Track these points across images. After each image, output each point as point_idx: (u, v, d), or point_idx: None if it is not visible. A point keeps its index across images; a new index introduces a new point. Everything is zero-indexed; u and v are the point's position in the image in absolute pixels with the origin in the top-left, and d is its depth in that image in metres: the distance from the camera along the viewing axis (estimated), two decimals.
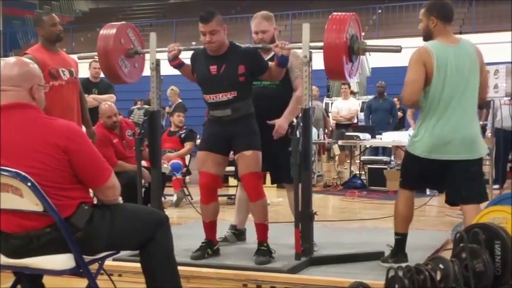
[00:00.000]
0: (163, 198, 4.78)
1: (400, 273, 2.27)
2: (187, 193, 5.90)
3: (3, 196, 2.02)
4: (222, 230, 3.64)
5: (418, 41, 3.16)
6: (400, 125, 9.19)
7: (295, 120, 3.35)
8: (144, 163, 3.81)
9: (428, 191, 5.34)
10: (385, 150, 8.34)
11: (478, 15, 14.72)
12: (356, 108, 9.33)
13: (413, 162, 3.07)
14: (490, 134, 6.38)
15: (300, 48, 3.18)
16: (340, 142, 7.90)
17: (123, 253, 2.66)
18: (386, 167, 7.13)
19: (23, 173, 1.98)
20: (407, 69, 2.99)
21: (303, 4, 16.76)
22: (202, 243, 3.33)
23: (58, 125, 2.08)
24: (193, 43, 11.82)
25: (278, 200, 5.20)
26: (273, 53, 3.33)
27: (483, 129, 7.62)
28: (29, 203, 2.00)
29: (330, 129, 9.40)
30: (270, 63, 3.24)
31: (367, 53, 3.24)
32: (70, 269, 2.07)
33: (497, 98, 5.15)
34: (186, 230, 4.09)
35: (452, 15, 3.05)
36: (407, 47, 3.18)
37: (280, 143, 3.28)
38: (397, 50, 3.17)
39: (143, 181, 3.85)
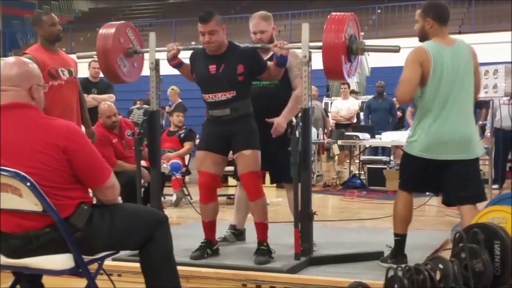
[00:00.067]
0: (162, 198, 4.78)
1: (400, 273, 2.27)
2: (186, 193, 5.90)
3: (2, 196, 2.02)
4: (222, 230, 3.64)
5: (417, 41, 3.17)
6: (400, 124, 9.19)
7: (294, 119, 3.35)
8: (143, 163, 3.81)
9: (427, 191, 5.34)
10: (385, 150, 8.34)
11: (478, 15, 14.73)
12: (355, 108, 9.33)
13: (411, 162, 3.07)
14: (489, 134, 6.38)
15: (299, 48, 3.18)
16: (339, 142, 7.90)
17: (123, 253, 2.66)
18: (385, 166, 7.13)
19: (23, 173, 1.98)
20: (404, 67, 3.01)
21: (303, 4, 16.77)
22: (202, 243, 3.33)
23: (57, 125, 2.08)
24: (193, 43, 11.81)
25: (277, 200, 5.19)
26: (271, 53, 3.34)
27: (482, 129, 7.64)
28: (28, 203, 2.00)
29: (330, 129, 9.40)
30: (268, 63, 3.24)
31: (366, 53, 3.25)
32: (69, 269, 2.07)
33: (497, 97, 5.15)
34: (185, 230, 4.09)
35: (448, 16, 3.06)
36: (407, 47, 3.18)
37: (280, 142, 3.28)
38: (396, 50, 3.18)
39: (142, 181, 3.85)
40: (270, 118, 3.31)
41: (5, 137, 2.03)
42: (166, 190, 5.70)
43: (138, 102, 10.38)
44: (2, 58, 2.23)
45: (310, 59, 3.16)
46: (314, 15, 15.02)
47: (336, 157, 9.74)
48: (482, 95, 4.98)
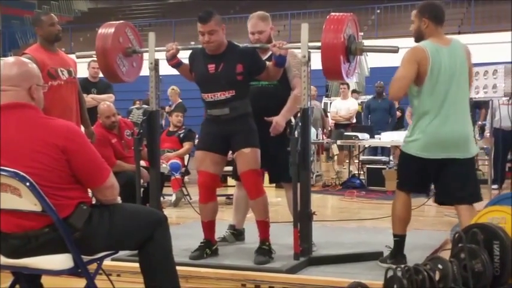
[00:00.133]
0: (162, 198, 4.77)
1: (399, 274, 2.27)
2: (186, 193, 5.89)
3: (2, 196, 2.02)
4: (221, 230, 3.64)
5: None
6: (399, 124, 9.19)
7: (293, 119, 3.35)
8: (142, 163, 3.81)
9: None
10: (384, 150, 8.34)
11: (477, 15, 14.74)
12: (355, 108, 9.33)
13: (409, 162, 3.08)
14: (488, 134, 6.39)
15: (298, 48, 3.18)
16: (339, 142, 7.90)
17: (122, 253, 2.66)
18: (385, 167, 7.13)
19: (22, 173, 1.98)
20: (400, 65, 3.02)
21: (302, 4, 16.77)
22: (201, 243, 3.33)
23: (57, 125, 2.07)
24: (192, 43, 11.80)
25: (277, 200, 5.19)
26: (270, 53, 3.34)
27: (482, 129, 7.64)
28: (27, 203, 2.00)
29: (329, 129, 9.40)
30: (267, 63, 3.24)
31: (365, 53, 3.26)
32: (68, 269, 2.07)
33: (496, 98, 5.15)
34: (184, 230, 4.09)
35: (443, 16, 3.08)
36: (406, 47, 3.19)
37: (278, 142, 3.28)
38: (394, 50, 3.18)
39: (142, 181, 3.85)
40: (269, 117, 3.31)
41: (5, 137, 2.03)
42: (165, 190, 5.70)
43: (138, 102, 10.37)
44: (1, 58, 2.23)
45: (309, 59, 3.16)
46: (313, 15, 15.03)
47: (335, 157, 9.74)
48: (481, 95, 4.99)
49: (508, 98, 5.13)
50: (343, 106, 9.20)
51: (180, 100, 8.50)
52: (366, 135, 7.30)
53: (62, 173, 2.04)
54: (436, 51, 2.97)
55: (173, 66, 3.35)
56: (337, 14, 3.17)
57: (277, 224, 4.12)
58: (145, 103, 8.99)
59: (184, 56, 3.34)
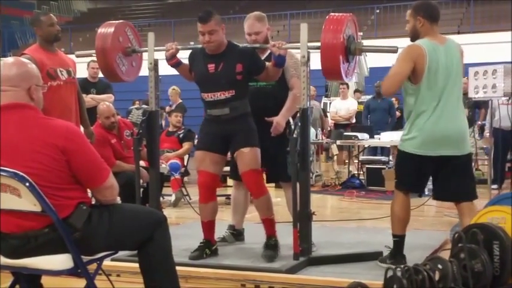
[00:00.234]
0: (161, 198, 4.77)
1: (399, 273, 2.27)
2: (185, 193, 5.89)
3: (1, 196, 2.02)
4: (221, 230, 3.64)
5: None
6: (399, 124, 9.19)
7: (291, 120, 3.35)
8: (142, 163, 3.80)
9: (426, 191, 5.34)
10: (384, 150, 8.34)
11: (476, 15, 14.74)
12: (354, 108, 9.33)
13: (407, 160, 3.08)
14: (488, 134, 6.38)
15: (297, 48, 3.18)
16: (338, 142, 7.90)
17: (122, 253, 2.66)
18: (384, 167, 7.12)
19: (21, 173, 1.98)
20: (395, 61, 3.03)
21: (301, 4, 16.78)
22: (201, 243, 3.33)
23: (56, 126, 2.07)
24: (192, 43, 11.80)
25: (276, 200, 5.17)
26: (268, 52, 3.35)
27: (482, 129, 7.64)
28: (27, 203, 2.00)
29: (328, 129, 9.40)
30: (266, 63, 3.24)
31: (365, 53, 3.26)
32: (68, 269, 2.06)
33: (496, 98, 5.15)
34: (184, 230, 4.09)
35: (438, 15, 3.09)
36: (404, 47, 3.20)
37: (277, 142, 3.29)
38: (394, 50, 3.19)
39: (141, 181, 3.85)
40: (267, 118, 3.31)
41: (4, 137, 2.03)
42: (165, 190, 5.70)
43: (137, 102, 10.38)
44: (1, 58, 2.23)
45: (308, 59, 3.16)
46: (313, 16, 15.03)
47: (335, 157, 9.75)
48: (481, 95, 4.99)
49: (508, 97, 5.13)
50: (343, 106, 9.20)
51: (181, 100, 8.50)
52: (366, 135, 7.30)
53: (61, 173, 2.04)
54: (433, 49, 2.99)
55: (172, 65, 3.35)
56: (337, 14, 3.18)
57: (276, 224, 4.12)
58: (146, 103, 8.99)
59: (183, 56, 3.34)
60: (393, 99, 9.22)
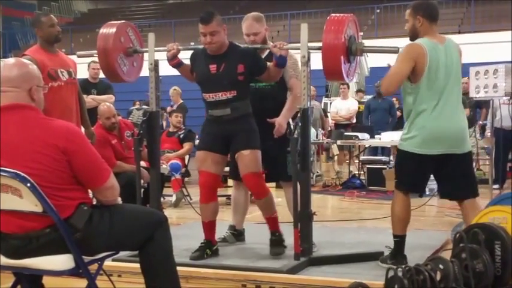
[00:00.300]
0: (162, 199, 4.77)
1: (400, 274, 2.27)
2: (186, 193, 5.89)
3: (2, 197, 2.02)
4: (221, 231, 3.64)
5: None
6: (399, 124, 9.16)
7: (290, 120, 3.36)
8: (143, 163, 3.80)
9: (427, 191, 5.34)
10: (384, 150, 8.33)
11: (477, 14, 14.73)
12: (355, 108, 9.33)
13: (407, 160, 3.08)
14: (489, 134, 6.37)
15: (298, 48, 3.18)
16: (339, 142, 7.89)
17: (123, 253, 2.66)
18: (385, 167, 7.12)
19: (23, 174, 1.98)
20: (396, 60, 3.04)
21: (301, 4, 16.77)
22: (202, 243, 3.33)
23: (57, 126, 2.08)
24: (192, 43, 11.80)
25: (277, 200, 5.17)
26: (267, 52, 3.37)
27: (483, 129, 7.63)
28: (28, 203, 2.00)
29: (329, 129, 9.39)
30: (268, 63, 3.25)
31: (366, 54, 3.26)
32: (69, 270, 2.07)
33: (497, 97, 5.14)
34: (185, 231, 4.09)
35: (437, 14, 3.09)
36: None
37: (277, 142, 3.30)
38: (395, 51, 3.19)
39: (142, 181, 3.85)
40: (265, 119, 3.32)
41: (5, 137, 2.03)
42: (165, 191, 5.70)
43: (138, 102, 10.38)
44: (2, 59, 2.23)
45: (309, 59, 3.16)
46: (313, 16, 15.02)
47: (336, 157, 9.74)
48: (482, 95, 4.99)
49: (509, 97, 5.12)
50: (343, 106, 9.19)
51: (182, 101, 8.50)
52: (366, 135, 7.29)
53: (62, 174, 2.04)
54: (434, 48, 2.99)
55: (174, 66, 3.35)
56: (338, 14, 3.18)
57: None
58: (146, 104, 8.99)
59: (184, 56, 3.34)
60: (394, 99, 9.21)
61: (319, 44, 3.09)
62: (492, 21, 14.20)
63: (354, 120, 9.25)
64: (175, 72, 3.41)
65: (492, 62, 5.28)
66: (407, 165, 3.09)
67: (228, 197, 5.64)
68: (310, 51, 3.17)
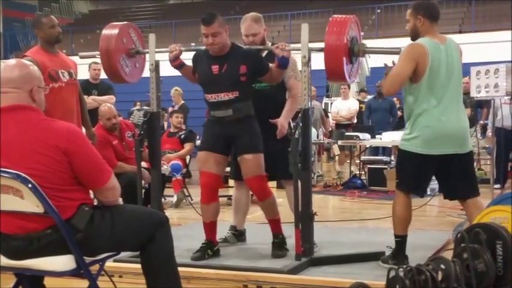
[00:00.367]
0: (163, 199, 4.77)
1: (401, 274, 2.27)
2: (187, 194, 5.89)
3: (4, 198, 2.02)
4: (222, 231, 3.64)
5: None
6: (400, 124, 9.16)
7: (291, 120, 3.36)
8: (144, 164, 3.81)
9: (428, 191, 5.34)
10: (385, 150, 8.33)
11: (478, 14, 14.73)
12: (356, 108, 9.32)
13: (409, 160, 3.07)
14: (490, 134, 6.37)
15: (299, 49, 3.18)
16: (340, 142, 7.89)
17: (124, 254, 2.66)
18: (386, 167, 7.11)
19: (24, 175, 1.98)
20: (398, 60, 3.04)
21: (302, 4, 16.77)
22: (203, 244, 3.33)
23: (58, 127, 2.08)
24: (193, 44, 11.80)
25: (278, 201, 5.19)
26: (265, 52, 3.37)
27: (484, 128, 7.62)
28: (29, 204, 2.01)
29: (330, 129, 9.39)
30: (270, 64, 3.25)
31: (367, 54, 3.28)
32: (71, 270, 2.07)
33: (498, 97, 5.14)
34: (186, 231, 4.09)
35: (438, 14, 3.10)
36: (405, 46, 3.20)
37: (278, 142, 3.30)
38: (397, 52, 3.19)
39: (143, 182, 3.85)
40: (265, 120, 3.32)
41: (6, 138, 2.03)
42: (166, 191, 5.70)
43: (138, 103, 10.38)
44: (2, 60, 2.23)
45: (309, 60, 3.16)
46: (314, 16, 15.02)
47: (337, 157, 9.73)
48: (483, 95, 4.98)
49: (510, 97, 5.12)
50: (344, 106, 9.19)
51: (183, 101, 8.51)
52: (367, 135, 7.29)
53: (63, 175, 2.04)
54: (435, 48, 2.99)
55: (176, 67, 3.36)
56: (340, 16, 3.19)
57: None
58: (147, 105, 9.00)
59: (185, 57, 3.34)
60: (394, 99, 9.20)
61: (320, 44, 3.10)
62: (493, 20, 14.19)
63: (355, 120, 9.24)
64: (176, 72, 3.41)
65: (493, 61, 5.27)
66: (409, 166, 3.08)
67: (229, 197, 5.64)
68: (313, 52, 3.17)
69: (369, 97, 10.14)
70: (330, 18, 3.18)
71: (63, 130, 2.07)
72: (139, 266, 2.26)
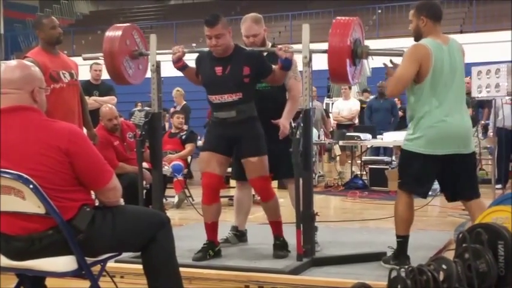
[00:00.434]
0: (164, 200, 4.77)
1: (403, 274, 2.27)
2: (188, 194, 5.90)
3: (5, 198, 2.02)
4: (224, 231, 3.64)
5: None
6: (401, 124, 9.16)
7: (291, 121, 3.36)
8: (145, 165, 3.81)
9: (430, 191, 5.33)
10: (387, 151, 8.33)
11: (479, 14, 14.73)
12: (357, 109, 9.32)
13: (412, 160, 3.07)
14: (492, 134, 6.36)
15: (300, 50, 3.18)
16: (341, 142, 7.89)
17: (125, 255, 2.66)
18: (387, 167, 7.11)
19: (25, 176, 1.98)
20: (401, 61, 3.03)
21: (303, 4, 16.77)
22: (204, 244, 3.33)
23: (59, 128, 2.08)
24: (194, 45, 11.81)
25: (280, 201, 5.19)
26: (266, 53, 3.37)
27: (485, 128, 7.61)
28: (31, 205, 2.01)
29: (331, 129, 9.39)
30: (273, 66, 3.26)
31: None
32: (72, 271, 2.07)
33: (499, 97, 5.14)
34: (187, 231, 4.09)
35: (441, 14, 3.10)
36: (407, 47, 3.19)
37: (280, 142, 3.30)
38: (399, 54, 3.20)
39: (144, 183, 3.85)
40: (265, 120, 3.32)
41: (8, 139, 2.03)
42: (168, 192, 5.70)
43: (140, 104, 10.39)
44: (4, 61, 2.24)
45: (310, 60, 3.16)
46: (314, 16, 15.01)
47: (338, 158, 9.73)
48: (484, 95, 4.98)
49: (511, 97, 5.12)
50: (345, 106, 9.19)
51: (185, 102, 8.51)
52: (368, 136, 7.29)
53: (65, 175, 2.04)
54: (438, 48, 2.99)
55: (179, 69, 3.36)
56: (343, 18, 3.20)
57: None
58: (148, 105, 9.00)
59: (185, 58, 3.34)
60: (396, 99, 9.20)
61: (321, 45, 3.10)
62: (494, 20, 14.19)
63: (356, 121, 9.24)
64: (178, 73, 3.42)
65: (494, 61, 5.27)
66: (412, 166, 3.08)
67: (231, 198, 5.65)
68: (314, 53, 3.17)
69: (371, 97, 10.15)
70: (334, 20, 3.18)
71: (64, 131, 2.07)
72: (140, 266, 2.26)
